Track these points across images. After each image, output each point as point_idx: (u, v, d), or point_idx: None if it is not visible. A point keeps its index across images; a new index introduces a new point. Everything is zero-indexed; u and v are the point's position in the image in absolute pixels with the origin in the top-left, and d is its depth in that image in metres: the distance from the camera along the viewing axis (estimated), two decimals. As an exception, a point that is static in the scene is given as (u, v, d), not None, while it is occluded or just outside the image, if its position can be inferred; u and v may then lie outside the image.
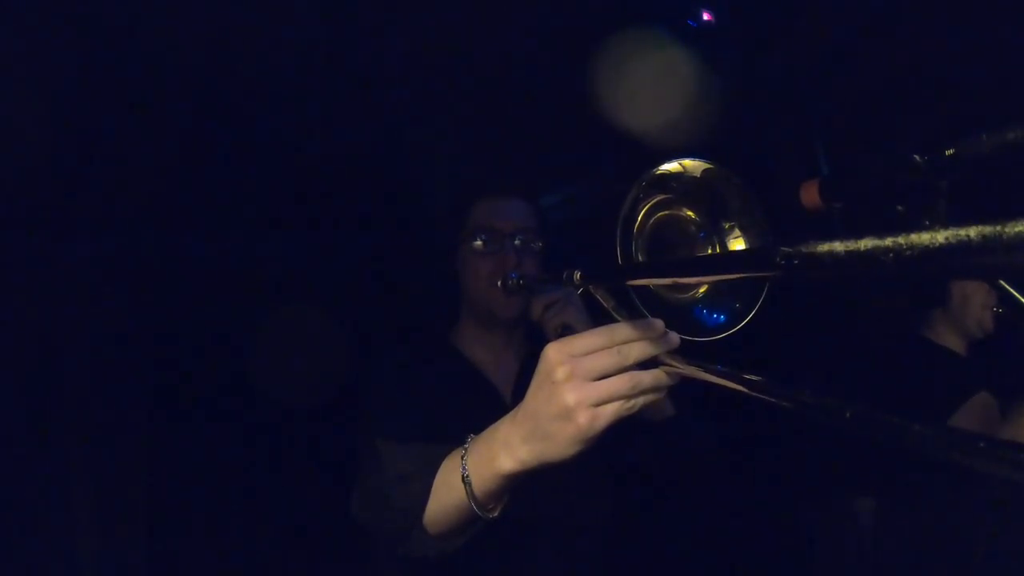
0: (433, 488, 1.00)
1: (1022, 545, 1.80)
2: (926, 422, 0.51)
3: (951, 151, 0.57)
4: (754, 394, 0.68)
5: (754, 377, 0.69)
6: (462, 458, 0.93)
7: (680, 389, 1.33)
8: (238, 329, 2.33)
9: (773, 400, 0.66)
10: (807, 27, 2.31)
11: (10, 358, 1.99)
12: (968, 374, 1.94)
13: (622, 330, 0.81)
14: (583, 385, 0.78)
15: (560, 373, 0.79)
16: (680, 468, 1.37)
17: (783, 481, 2.87)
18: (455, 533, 1.00)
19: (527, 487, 0.93)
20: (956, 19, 2.10)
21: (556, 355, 0.80)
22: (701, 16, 2.30)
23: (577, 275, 0.92)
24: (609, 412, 0.78)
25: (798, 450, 2.77)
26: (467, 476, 0.91)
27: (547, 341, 1.30)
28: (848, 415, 0.59)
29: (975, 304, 1.98)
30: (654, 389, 0.80)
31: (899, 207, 0.60)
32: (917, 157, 0.58)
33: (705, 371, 0.76)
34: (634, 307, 0.82)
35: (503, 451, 0.87)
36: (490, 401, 1.37)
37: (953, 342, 2.03)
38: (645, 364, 0.81)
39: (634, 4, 2.22)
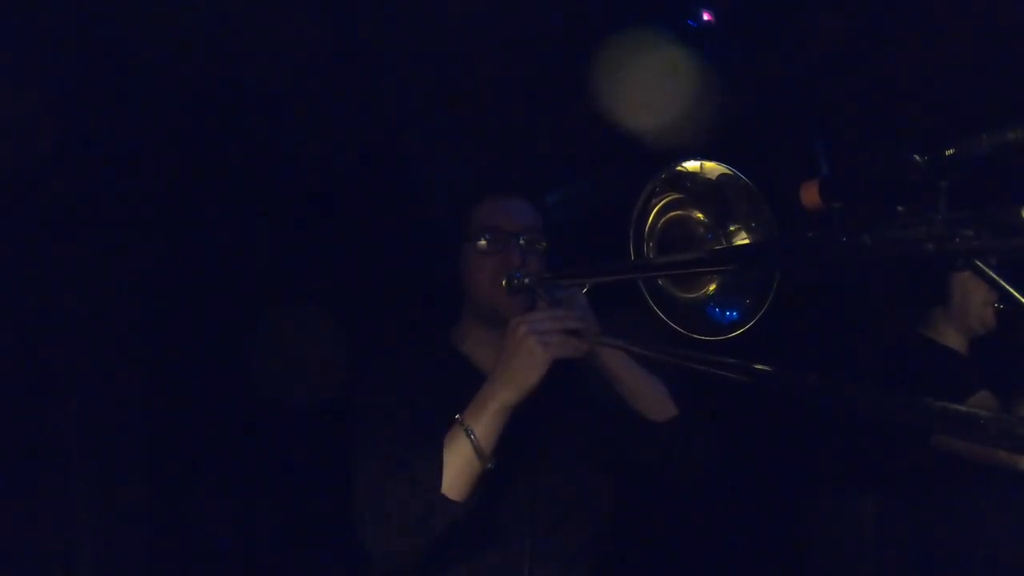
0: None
1: (1022, 545, 1.80)
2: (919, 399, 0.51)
3: (951, 151, 0.57)
4: (677, 361, 0.75)
5: (671, 347, 0.75)
6: (460, 423, 1.16)
7: (683, 390, 1.34)
8: (238, 328, 2.33)
9: (701, 367, 0.71)
10: (807, 27, 2.31)
11: (9, 357, 1.99)
12: (968, 373, 1.94)
13: (561, 310, 1.20)
14: (533, 329, 1.14)
15: (520, 331, 1.14)
16: (681, 467, 1.37)
17: (783, 481, 2.87)
18: (466, 488, 1.16)
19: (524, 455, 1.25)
20: (956, 18, 2.10)
21: (517, 318, 1.18)
22: (701, 16, 2.30)
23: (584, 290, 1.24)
24: (552, 344, 1.13)
25: (798, 450, 2.77)
26: (468, 428, 1.15)
27: None
28: (780, 379, 0.61)
29: (976, 301, 1.97)
30: (578, 344, 1.16)
31: (899, 207, 0.60)
32: (917, 157, 0.59)
33: (621, 341, 1.10)
34: (648, 306, 0.83)
35: (488, 394, 1.16)
36: None
37: (954, 340, 2.02)
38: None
39: (634, 4, 2.22)
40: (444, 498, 1.14)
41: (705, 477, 1.40)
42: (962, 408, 0.48)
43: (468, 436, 1.14)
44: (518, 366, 1.14)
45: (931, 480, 1.89)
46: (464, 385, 1.29)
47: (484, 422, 1.15)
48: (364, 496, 1.21)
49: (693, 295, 0.91)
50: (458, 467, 1.15)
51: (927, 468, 1.87)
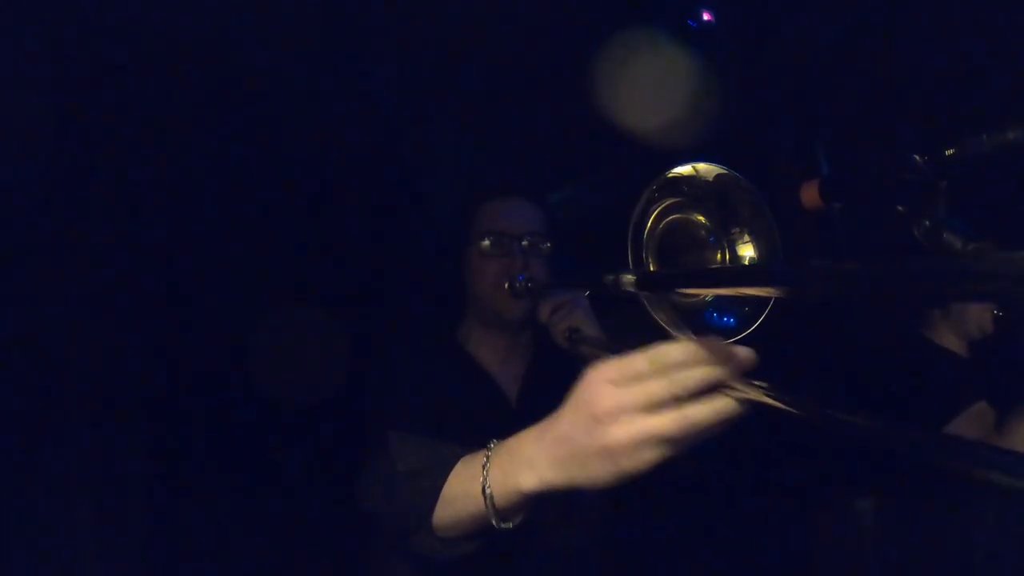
0: (449, 495, 0.98)
1: (1022, 545, 1.80)
2: (926, 426, 0.51)
3: (951, 151, 0.57)
4: (820, 421, 0.59)
5: (821, 405, 0.60)
6: (483, 467, 0.88)
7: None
8: (242, 328, 2.33)
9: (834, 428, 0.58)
10: (807, 27, 2.31)
11: (10, 357, 1.99)
12: (968, 375, 1.94)
13: (676, 352, 0.71)
14: (629, 423, 0.70)
15: (604, 405, 0.72)
16: (681, 469, 1.37)
17: (783, 481, 2.87)
18: (465, 539, 0.98)
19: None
20: (956, 18, 2.10)
21: (600, 383, 0.73)
22: (701, 16, 2.30)
23: (630, 279, 0.82)
24: (655, 455, 0.71)
25: (798, 450, 2.76)
26: (488, 489, 0.87)
27: (555, 344, 1.29)
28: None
29: (975, 307, 1.97)
30: (712, 424, 0.69)
31: (899, 207, 0.61)
32: (917, 157, 0.59)
33: (770, 396, 0.65)
34: (652, 314, 0.81)
35: (526, 469, 0.82)
36: (496, 402, 1.37)
37: (952, 342, 2.03)
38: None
39: (634, 4, 2.22)
40: (429, 532, 1.01)
41: (705, 479, 1.40)
42: (958, 437, 0.48)
43: (484, 496, 0.88)
44: (585, 467, 0.76)
45: (931, 480, 1.89)
46: (470, 385, 1.29)
47: (508, 494, 0.86)
48: (368, 484, 1.19)
49: (691, 300, 0.90)
50: (461, 513, 0.95)
51: (926, 469, 1.87)
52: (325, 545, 2.46)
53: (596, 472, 0.74)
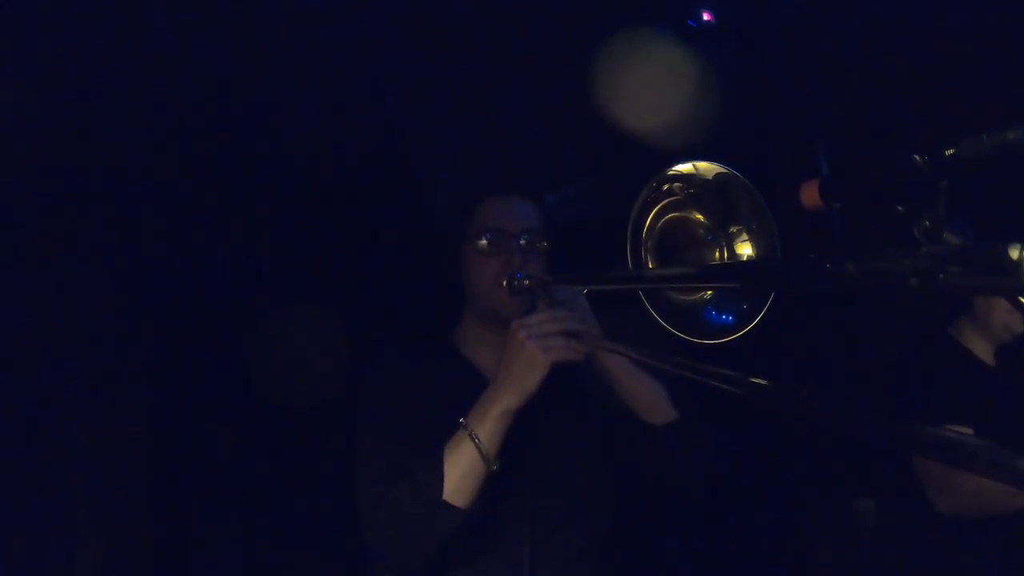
0: (447, 464, 1.18)
1: (1022, 545, 1.80)
2: (921, 422, 0.51)
3: (951, 151, 0.56)
4: (675, 370, 0.73)
5: (672, 355, 0.75)
6: (464, 427, 1.18)
7: (682, 394, 1.34)
8: (238, 329, 2.32)
9: (699, 379, 0.69)
10: (807, 27, 2.31)
11: (10, 358, 1.99)
12: (991, 382, 1.91)
13: (560, 311, 1.21)
14: (530, 332, 1.17)
15: (520, 331, 1.18)
16: (681, 470, 1.37)
17: (783, 481, 2.86)
18: (470, 492, 1.17)
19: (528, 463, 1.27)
20: (956, 19, 2.10)
21: (516, 323, 1.20)
22: (701, 16, 2.30)
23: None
24: (552, 348, 1.16)
25: (798, 450, 2.76)
26: (472, 432, 1.17)
27: None
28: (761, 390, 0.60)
29: (1000, 308, 1.91)
30: (577, 348, 1.18)
31: (899, 207, 0.60)
32: (917, 157, 0.58)
33: (620, 346, 1.08)
34: (644, 309, 0.83)
35: (492, 399, 1.19)
36: None
37: (980, 347, 1.98)
38: None
39: (634, 4, 2.22)
40: (446, 504, 1.16)
41: (705, 479, 1.40)
42: (955, 435, 0.48)
43: (472, 440, 1.17)
44: (518, 370, 1.17)
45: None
46: (466, 387, 1.29)
47: (488, 426, 1.17)
48: (368, 503, 1.22)
49: (690, 298, 0.90)
50: (463, 472, 1.17)
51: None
52: (324, 546, 2.45)
53: (522, 369, 1.16)
